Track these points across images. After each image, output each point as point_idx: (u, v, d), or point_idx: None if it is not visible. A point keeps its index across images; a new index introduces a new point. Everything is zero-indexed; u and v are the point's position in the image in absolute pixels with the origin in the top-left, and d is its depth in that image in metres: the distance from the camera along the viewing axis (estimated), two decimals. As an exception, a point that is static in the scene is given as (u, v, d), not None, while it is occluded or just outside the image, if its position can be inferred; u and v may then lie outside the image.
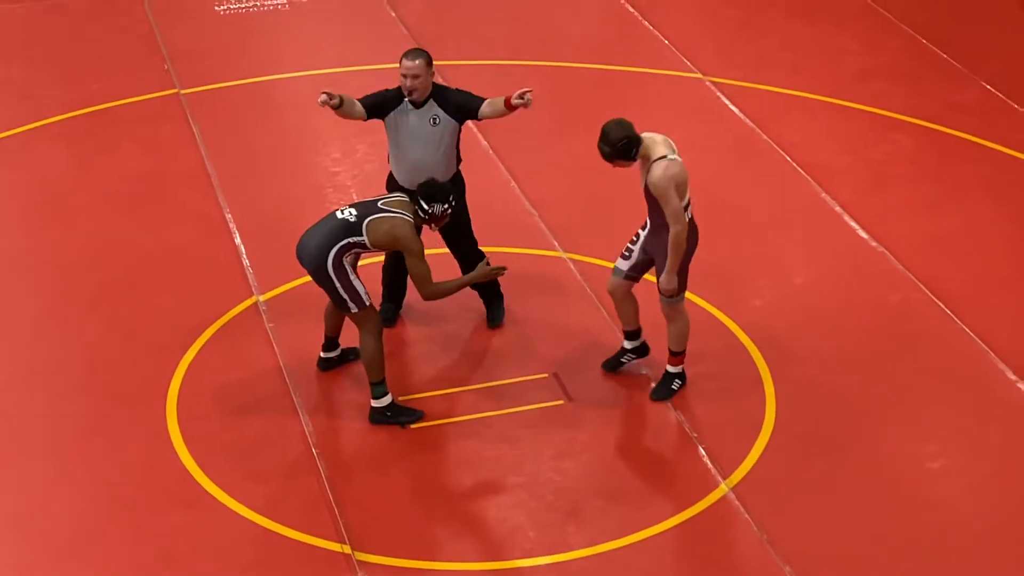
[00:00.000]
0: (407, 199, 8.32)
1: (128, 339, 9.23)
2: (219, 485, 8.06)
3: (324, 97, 8.52)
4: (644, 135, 8.28)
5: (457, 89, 8.93)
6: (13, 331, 9.36)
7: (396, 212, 8.20)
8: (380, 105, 8.75)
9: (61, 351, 9.16)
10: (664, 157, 8.21)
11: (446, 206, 8.22)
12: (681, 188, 8.27)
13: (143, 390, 8.76)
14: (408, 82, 8.63)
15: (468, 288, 8.92)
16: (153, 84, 12.21)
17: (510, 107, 8.70)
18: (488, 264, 8.56)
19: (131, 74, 12.38)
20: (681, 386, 8.70)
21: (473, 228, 9.04)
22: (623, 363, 8.87)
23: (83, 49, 12.86)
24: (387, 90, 8.83)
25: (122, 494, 8.04)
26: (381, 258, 9.24)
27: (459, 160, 8.94)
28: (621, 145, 8.17)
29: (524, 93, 8.66)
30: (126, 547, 7.69)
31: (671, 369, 8.69)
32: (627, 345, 8.86)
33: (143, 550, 7.67)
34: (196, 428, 8.46)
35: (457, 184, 8.90)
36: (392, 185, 8.92)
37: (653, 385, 8.79)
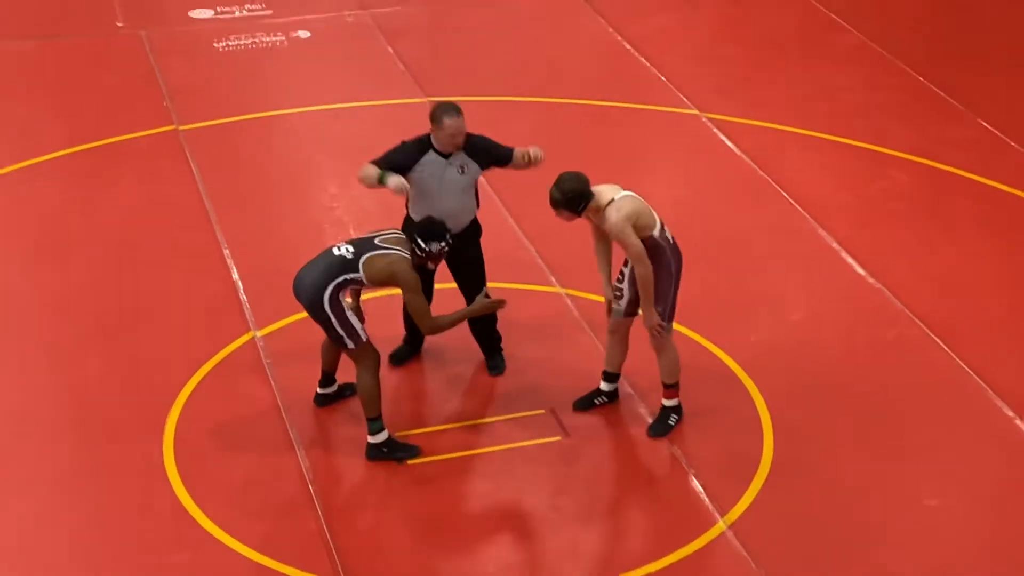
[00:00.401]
0: (404, 236, 8.33)
1: (125, 375, 9.23)
2: (216, 522, 8.04)
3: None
4: (593, 189, 8.28)
5: (480, 136, 8.81)
6: (10, 366, 9.35)
7: (393, 249, 8.21)
8: (404, 165, 8.61)
9: (58, 387, 9.15)
10: (612, 200, 8.23)
11: (443, 244, 8.22)
12: (644, 219, 8.31)
13: (140, 426, 8.75)
14: (458, 139, 8.55)
15: (468, 326, 8.93)
16: (152, 120, 12.24)
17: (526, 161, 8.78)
18: (488, 297, 8.57)
19: (130, 110, 12.41)
20: (678, 420, 8.69)
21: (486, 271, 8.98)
22: (595, 404, 8.85)
23: (82, 85, 12.89)
24: (405, 144, 8.70)
25: (118, 531, 8.02)
26: (384, 292, 9.24)
27: (478, 204, 8.91)
28: (571, 196, 8.22)
29: (531, 153, 8.77)
30: (122, 584, 7.67)
31: (667, 403, 8.69)
32: (604, 387, 8.85)
33: (139, 587, 7.65)
34: (193, 465, 8.45)
35: (475, 228, 8.89)
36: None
37: (650, 421, 8.78)
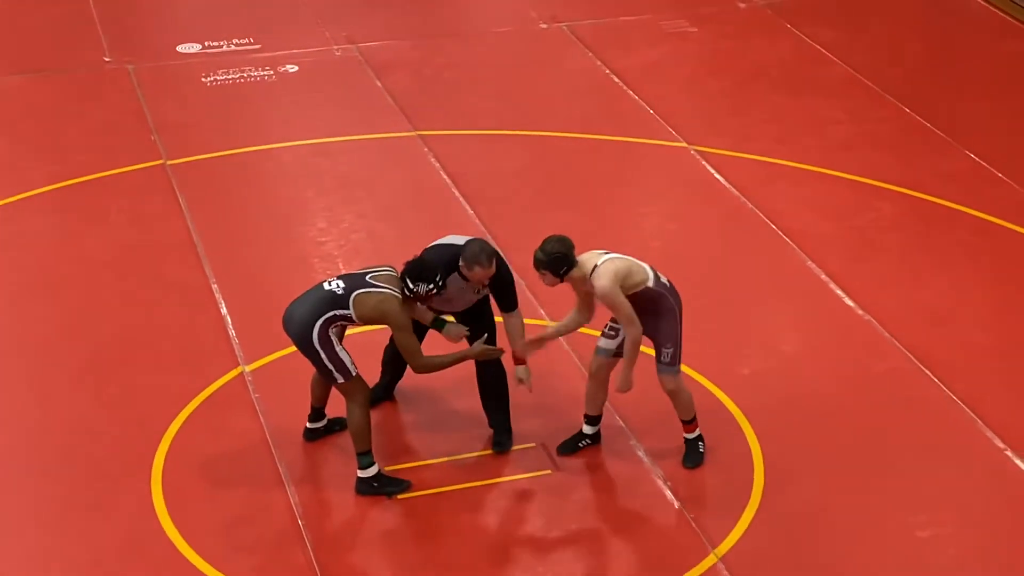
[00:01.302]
0: (395, 274, 8.30)
1: (113, 410, 9.18)
2: (205, 558, 7.99)
3: (459, 332, 8.46)
4: (578, 257, 8.24)
5: (507, 276, 8.55)
6: (-3, 403, 9.31)
7: (383, 288, 8.18)
8: None
9: (45, 423, 9.10)
10: (595, 267, 8.21)
11: (431, 286, 8.16)
12: (634, 276, 8.27)
13: (128, 462, 8.70)
14: (484, 282, 8.40)
15: (462, 368, 8.93)
16: (139, 155, 12.23)
17: (515, 356, 8.59)
18: (485, 343, 8.46)
19: (117, 145, 12.39)
20: (704, 444, 8.69)
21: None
22: (580, 447, 8.80)
23: (69, 120, 12.88)
24: (434, 257, 8.37)
25: (107, 568, 7.96)
26: (370, 328, 9.20)
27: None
28: (554, 257, 8.17)
29: (525, 379, 8.60)
30: (109, 621, 7.61)
31: (689, 436, 8.68)
32: (587, 430, 8.81)
33: (127, 624, 7.59)
34: (181, 500, 8.39)
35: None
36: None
37: (640, 455, 8.75)
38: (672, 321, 8.38)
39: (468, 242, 8.38)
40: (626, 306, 8.20)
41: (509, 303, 8.58)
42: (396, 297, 8.15)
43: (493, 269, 8.35)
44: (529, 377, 8.60)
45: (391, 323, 8.12)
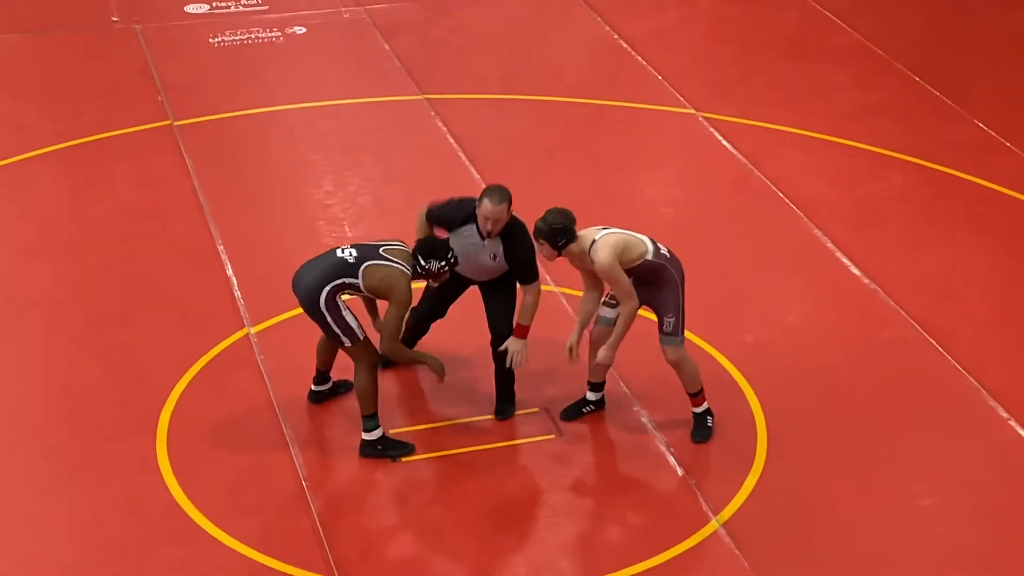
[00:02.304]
0: (408, 250, 8.30)
1: (118, 371, 9.21)
2: (209, 518, 8.03)
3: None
4: (578, 232, 8.21)
5: (523, 246, 8.44)
6: (2, 363, 9.32)
7: (395, 262, 8.19)
8: (448, 221, 8.47)
9: (50, 383, 9.12)
10: (594, 241, 8.21)
11: (443, 264, 8.18)
12: (633, 250, 8.26)
13: (133, 423, 8.73)
14: (489, 225, 8.26)
15: (469, 323, 8.92)
16: (146, 115, 12.22)
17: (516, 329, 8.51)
18: (441, 367, 8.40)
19: (124, 105, 12.38)
20: (713, 419, 8.69)
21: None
22: (583, 413, 8.83)
23: (76, 80, 12.86)
24: (461, 204, 8.47)
25: (111, 528, 8.00)
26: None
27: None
28: (554, 228, 8.15)
29: (515, 357, 8.50)
30: (114, 580, 7.66)
31: (697, 410, 8.68)
32: (590, 396, 8.83)
33: (131, 583, 7.64)
34: (186, 462, 8.43)
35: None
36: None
37: (644, 421, 8.77)
38: (673, 291, 8.39)
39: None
40: (624, 280, 8.22)
41: (523, 276, 8.48)
42: (405, 273, 8.17)
43: (503, 211, 8.25)
44: (519, 354, 8.50)
45: (393, 298, 8.13)
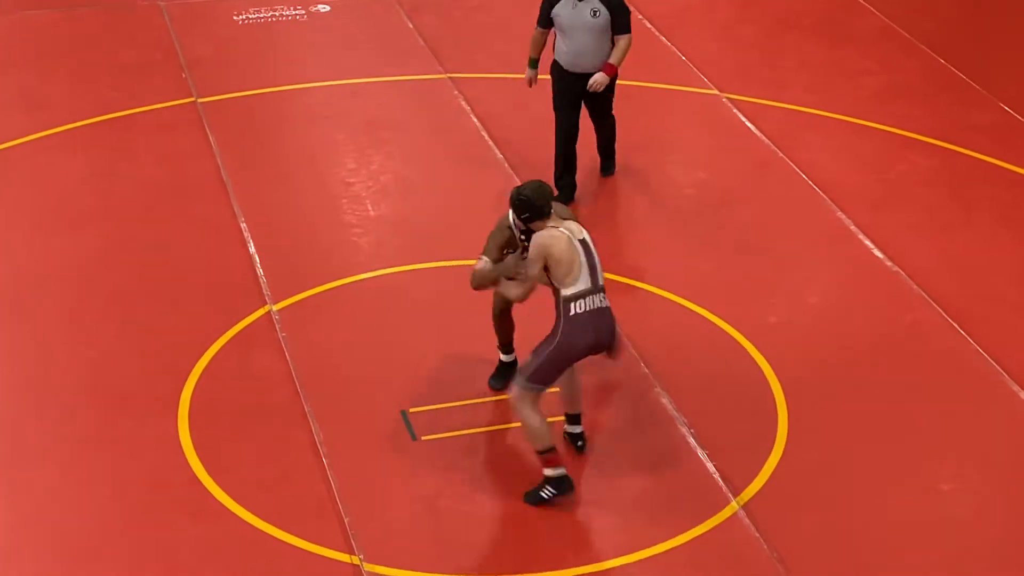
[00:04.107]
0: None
1: (140, 347, 9.23)
2: (230, 494, 8.06)
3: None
4: (561, 221, 7.88)
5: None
6: (25, 339, 9.37)
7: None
8: (547, 15, 10.37)
9: (73, 359, 9.16)
10: (548, 229, 7.80)
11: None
12: (562, 267, 7.74)
13: (154, 399, 8.76)
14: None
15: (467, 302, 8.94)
16: (170, 92, 12.23)
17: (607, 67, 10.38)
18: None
19: (148, 82, 12.40)
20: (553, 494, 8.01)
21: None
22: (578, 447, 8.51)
23: (100, 57, 12.88)
24: None
25: (132, 503, 8.03)
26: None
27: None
28: (520, 200, 7.77)
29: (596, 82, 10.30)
30: (133, 556, 7.69)
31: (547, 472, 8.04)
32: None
33: (151, 559, 7.67)
34: (207, 437, 8.46)
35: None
36: (556, 71, 10.45)
37: (665, 402, 8.77)
38: (549, 342, 7.81)
39: None
40: (534, 270, 7.78)
41: (620, 21, 10.29)
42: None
43: None
44: (601, 84, 10.33)
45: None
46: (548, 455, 7.92)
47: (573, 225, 7.94)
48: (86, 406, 8.75)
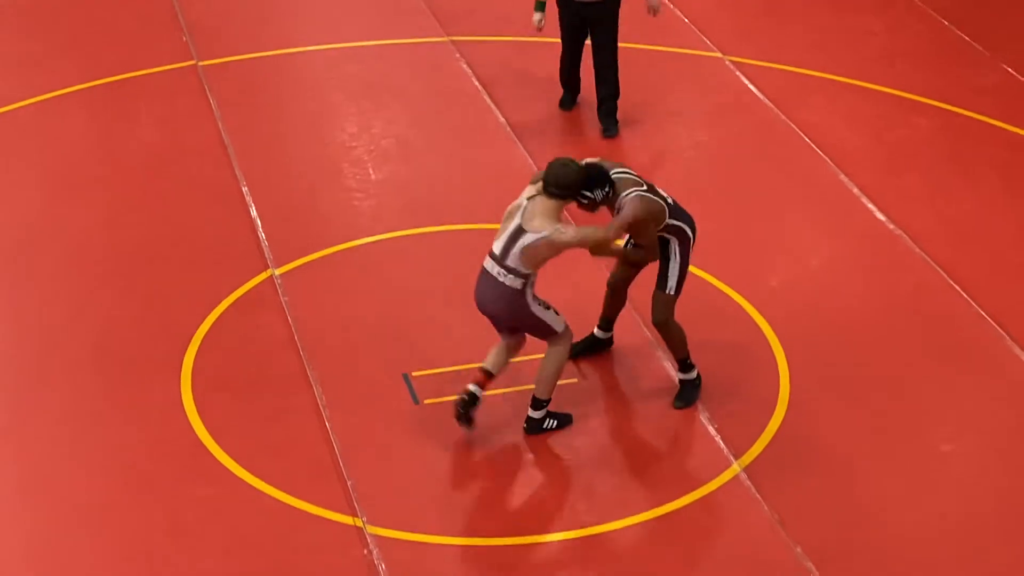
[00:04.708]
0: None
1: (143, 311, 9.25)
2: (233, 457, 8.09)
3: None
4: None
5: None
6: (28, 302, 9.38)
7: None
8: None
9: (75, 322, 9.18)
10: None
11: (606, 189, 7.97)
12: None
13: (158, 363, 8.78)
14: None
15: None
16: (171, 56, 12.21)
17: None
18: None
19: (149, 45, 12.37)
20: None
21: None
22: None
23: (101, 20, 12.85)
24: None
25: (135, 466, 8.06)
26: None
27: None
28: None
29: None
30: (137, 519, 7.72)
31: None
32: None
33: (154, 522, 7.70)
34: (210, 400, 8.48)
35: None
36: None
37: (668, 368, 8.78)
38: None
39: None
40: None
41: None
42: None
43: None
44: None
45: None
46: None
47: (532, 189, 8.02)
48: (89, 371, 8.77)
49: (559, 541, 7.64)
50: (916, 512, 7.85)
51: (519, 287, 7.93)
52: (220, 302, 9.27)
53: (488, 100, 11.65)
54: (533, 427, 8.26)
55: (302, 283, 9.47)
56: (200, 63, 12.10)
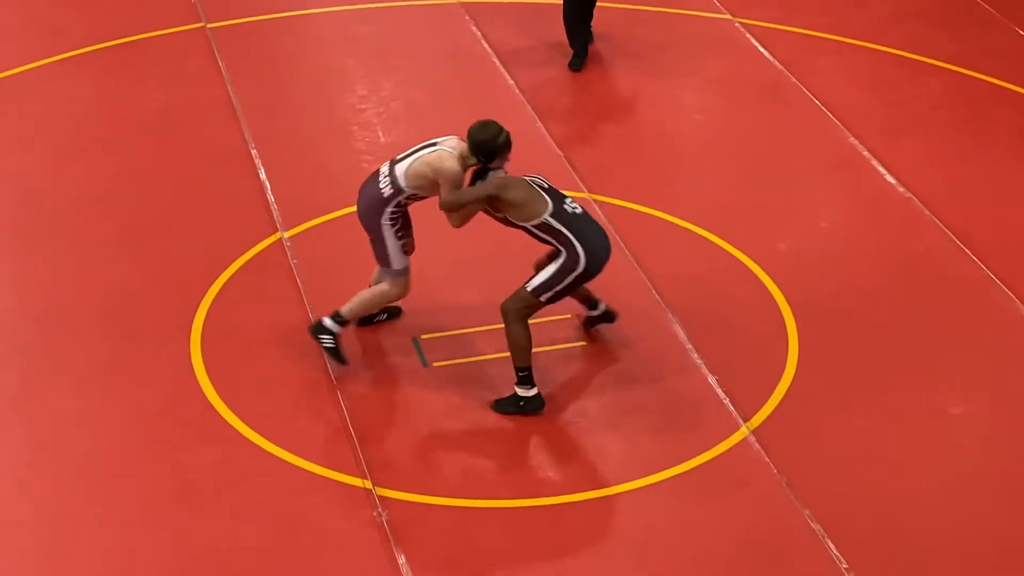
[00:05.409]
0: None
1: (152, 274, 9.26)
2: (242, 418, 8.11)
3: None
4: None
5: None
6: (39, 265, 9.39)
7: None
8: None
9: (85, 286, 9.19)
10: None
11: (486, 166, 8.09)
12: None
13: (167, 325, 8.80)
14: None
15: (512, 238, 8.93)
16: (179, 18, 12.18)
17: None
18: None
19: (157, 8, 12.33)
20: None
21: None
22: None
23: (110, -18, 12.81)
24: None
25: (144, 428, 8.09)
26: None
27: None
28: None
29: None
30: (150, 482, 7.75)
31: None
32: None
33: (165, 483, 7.73)
34: (220, 363, 8.50)
35: None
36: None
37: (677, 329, 8.78)
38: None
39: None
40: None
41: None
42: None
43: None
44: None
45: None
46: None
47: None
48: (100, 333, 8.78)
49: (568, 503, 7.66)
50: (925, 474, 7.86)
51: (386, 196, 8.13)
52: (229, 265, 9.28)
53: (498, 63, 11.62)
54: (315, 329, 8.39)
55: (311, 246, 9.48)
56: (208, 25, 12.07)
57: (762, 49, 11.92)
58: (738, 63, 11.79)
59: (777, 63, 11.71)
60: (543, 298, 8.03)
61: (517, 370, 8.08)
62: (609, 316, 8.73)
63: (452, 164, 8.02)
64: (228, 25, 12.11)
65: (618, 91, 11.34)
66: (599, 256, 8.02)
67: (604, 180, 10.18)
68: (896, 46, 11.99)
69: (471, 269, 9.29)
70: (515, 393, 8.15)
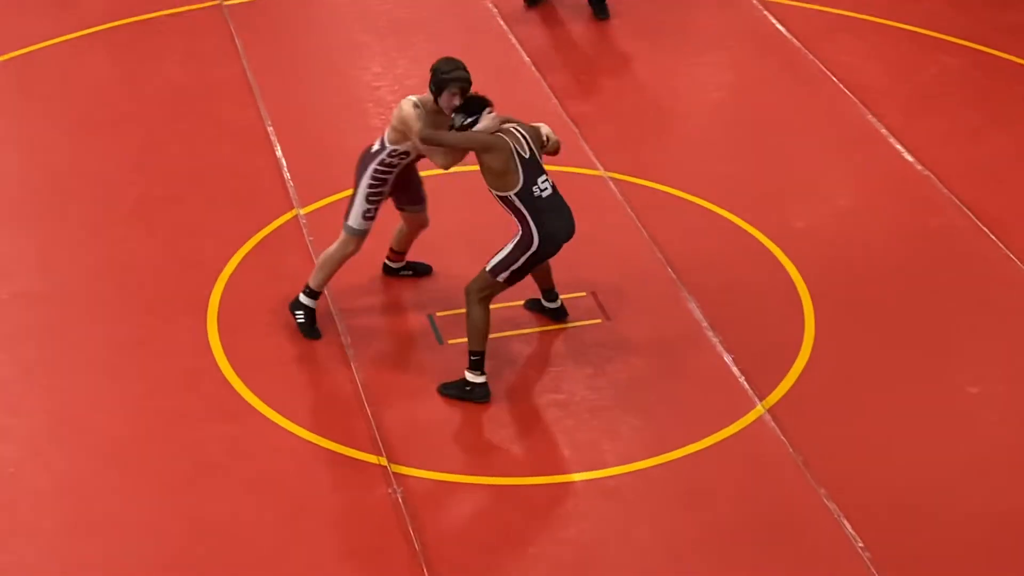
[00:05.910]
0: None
1: (169, 251, 9.28)
2: (257, 395, 8.13)
3: None
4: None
5: None
6: (55, 242, 9.42)
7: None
8: None
9: (102, 262, 9.21)
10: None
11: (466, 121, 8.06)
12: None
13: (184, 301, 8.82)
14: None
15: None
16: (196, -5, 12.18)
17: None
18: None
19: (174, -16, 12.33)
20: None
21: None
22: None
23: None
24: None
25: (163, 405, 8.12)
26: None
27: None
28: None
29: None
30: (166, 458, 7.78)
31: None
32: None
33: (181, 458, 7.76)
34: (237, 340, 8.52)
35: None
36: None
37: (691, 305, 8.78)
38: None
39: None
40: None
41: None
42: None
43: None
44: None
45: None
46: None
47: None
48: (117, 309, 8.81)
49: (583, 481, 7.67)
50: (942, 454, 7.85)
51: (373, 151, 8.27)
52: (246, 242, 9.29)
53: (513, 39, 11.59)
54: (292, 305, 8.46)
55: (327, 223, 9.47)
56: (225, 2, 12.06)
57: (779, 26, 11.87)
58: (755, 40, 11.75)
59: (794, 39, 11.67)
60: (500, 278, 7.99)
61: (470, 354, 8.06)
62: (560, 314, 8.63)
63: (408, 108, 8.09)
64: (244, 2, 12.10)
65: (635, 69, 11.30)
66: (556, 237, 8.00)
67: (619, 157, 10.15)
68: (914, 23, 11.93)
69: (486, 247, 9.26)
70: (464, 378, 8.14)
